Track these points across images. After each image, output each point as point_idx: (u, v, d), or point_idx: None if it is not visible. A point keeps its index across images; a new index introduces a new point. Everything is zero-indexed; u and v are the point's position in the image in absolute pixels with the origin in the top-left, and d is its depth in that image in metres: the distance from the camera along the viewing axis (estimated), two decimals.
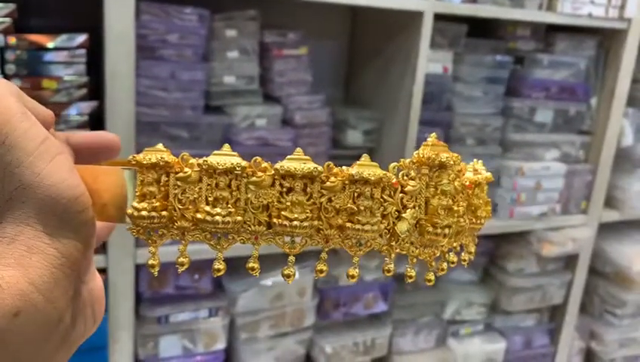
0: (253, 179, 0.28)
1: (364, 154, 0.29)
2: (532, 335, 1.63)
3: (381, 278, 1.37)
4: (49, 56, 0.96)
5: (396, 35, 1.25)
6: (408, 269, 0.31)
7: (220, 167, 0.27)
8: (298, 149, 0.29)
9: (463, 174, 0.33)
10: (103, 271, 1.05)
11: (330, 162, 0.29)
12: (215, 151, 0.28)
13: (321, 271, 0.30)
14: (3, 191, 0.25)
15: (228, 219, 0.28)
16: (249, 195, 0.28)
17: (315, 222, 0.29)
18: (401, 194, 0.30)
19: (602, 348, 1.73)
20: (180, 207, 0.28)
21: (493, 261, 1.59)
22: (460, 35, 1.33)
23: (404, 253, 0.31)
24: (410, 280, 0.31)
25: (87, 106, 0.99)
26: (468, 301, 1.54)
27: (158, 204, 0.28)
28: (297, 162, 0.28)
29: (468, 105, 1.38)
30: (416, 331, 1.49)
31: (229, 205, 0.28)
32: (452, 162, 0.31)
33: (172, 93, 1.07)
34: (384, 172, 0.29)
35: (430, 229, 0.30)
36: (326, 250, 0.30)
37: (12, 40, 0.93)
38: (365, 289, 1.37)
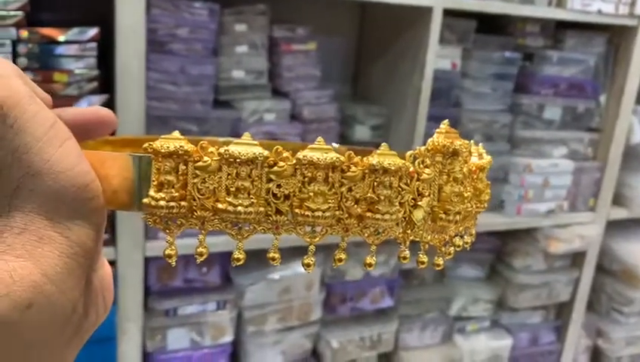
0: (275, 168, 0.28)
1: (384, 143, 0.29)
2: (538, 333, 1.63)
3: (387, 273, 1.37)
4: (60, 50, 0.97)
5: (405, 31, 1.25)
6: (420, 256, 0.31)
7: (242, 156, 0.27)
8: (319, 138, 0.29)
9: (470, 159, 0.33)
10: (112, 263, 1.06)
11: (350, 151, 0.29)
12: (235, 140, 0.28)
13: (340, 260, 0.30)
14: (11, 177, 0.24)
15: (250, 209, 0.28)
16: (270, 185, 0.28)
17: (337, 212, 0.29)
18: (417, 183, 0.30)
19: (609, 346, 1.72)
20: (200, 196, 0.28)
21: (500, 258, 1.59)
22: (469, 31, 1.33)
23: (418, 239, 0.31)
24: (422, 266, 0.31)
25: (97, 100, 1.00)
26: (474, 297, 1.54)
27: (177, 194, 0.28)
28: (320, 152, 0.28)
29: (476, 101, 1.37)
30: (422, 327, 1.49)
31: (251, 195, 0.28)
32: (464, 149, 0.31)
33: (181, 88, 1.08)
34: (403, 161, 0.29)
35: (443, 216, 0.31)
36: (346, 239, 0.30)
37: (24, 33, 0.94)
38: (372, 284, 1.37)
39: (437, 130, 0.31)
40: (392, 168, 0.28)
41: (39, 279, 0.23)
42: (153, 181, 0.28)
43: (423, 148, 0.30)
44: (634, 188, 1.58)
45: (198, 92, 1.10)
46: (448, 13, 1.18)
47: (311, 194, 0.28)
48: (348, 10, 1.44)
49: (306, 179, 0.28)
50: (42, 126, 0.24)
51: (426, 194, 0.30)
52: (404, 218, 0.30)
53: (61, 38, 0.97)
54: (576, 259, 1.59)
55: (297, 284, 1.26)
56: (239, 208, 0.28)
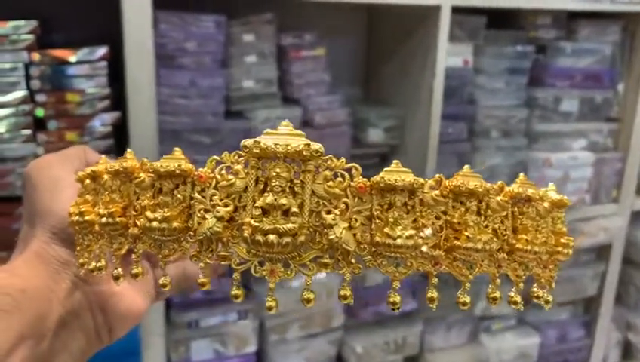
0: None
1: (176, 148, 0.27)
2: (567, 329, 1.60)
3: (409, 276, 1.36)
4: (72, 70, 0.98)
5: (414, 30, 1.24)
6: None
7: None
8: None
9: (349, 176, 0.27)
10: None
11: (145, 159, 0.28)
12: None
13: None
14: (32, 216, 0.37)
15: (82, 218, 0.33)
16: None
17: (121, 219, 0.28)
18: (212, 191, 0.26)
19: None
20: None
21: None
22: (479, 27, 1.31)
23: (235, 266, 0.26)
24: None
25: (110, 117, 1.01)
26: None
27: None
28: (120, 160, 0.29)
29: (491, 97, 1.35)
30: (447, 328, 1.47)
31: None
32: (281, 150, 0.25)
33: (193, 101, 1.08)
34: (181, 164, 0.26)
35: (248, 236, 0.25)
36: (135, 248, 0.28)
37: (36, 56, 0.96)
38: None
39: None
40: (162, 171, 0.26)
41: (26, 273, 0.34)
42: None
43: (234, 153, 0.27)
44: None
45: (209, 104, 1.10)
46: (457, 10, 1.17)
47: (103, 199, 0.29)
48: (355, 13, 1.43)
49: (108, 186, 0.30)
50: (47, 183, 0.37)
51: (221, 204, 0.25)
52: (194, 232, 0.26)
53: (72, 58, 0.98)
54: (601, 252, 1.56)
55: (318, 291, 1.26)
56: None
